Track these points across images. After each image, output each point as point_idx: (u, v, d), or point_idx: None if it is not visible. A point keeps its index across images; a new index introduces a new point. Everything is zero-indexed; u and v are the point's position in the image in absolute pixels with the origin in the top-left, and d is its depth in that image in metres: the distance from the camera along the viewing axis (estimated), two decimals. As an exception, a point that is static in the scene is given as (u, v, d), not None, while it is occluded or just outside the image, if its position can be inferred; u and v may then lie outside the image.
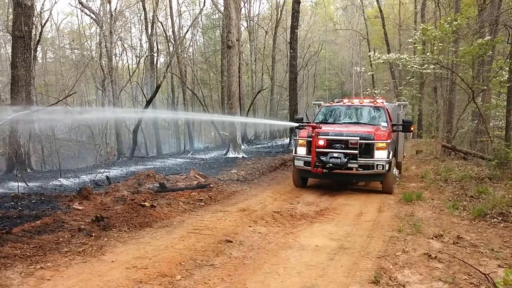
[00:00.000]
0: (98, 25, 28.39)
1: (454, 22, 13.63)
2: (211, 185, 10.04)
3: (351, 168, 9.22)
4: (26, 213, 7.25)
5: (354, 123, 10.72)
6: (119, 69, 38.33)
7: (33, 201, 8.41)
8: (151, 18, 29.45)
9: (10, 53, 13.37)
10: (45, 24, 27.25)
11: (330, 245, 5.74)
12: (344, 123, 10.76)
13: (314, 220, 7.24)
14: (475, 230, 6.45)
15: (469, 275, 4.57)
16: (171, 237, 6.06)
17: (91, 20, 31.76)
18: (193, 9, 39.06)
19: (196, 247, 5.58)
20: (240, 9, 27.89)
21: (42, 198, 8.67)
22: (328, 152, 9.31)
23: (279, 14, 34.38)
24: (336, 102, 12.37)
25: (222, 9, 25.67)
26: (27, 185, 10.42)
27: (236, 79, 17.24)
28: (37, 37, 23.07)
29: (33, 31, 16.82)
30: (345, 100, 12.32)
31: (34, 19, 15.98)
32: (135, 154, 22.98)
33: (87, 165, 20.14)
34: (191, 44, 40.49)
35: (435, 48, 15.59)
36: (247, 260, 5.10)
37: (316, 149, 9.40)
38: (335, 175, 9.56)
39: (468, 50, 13.41)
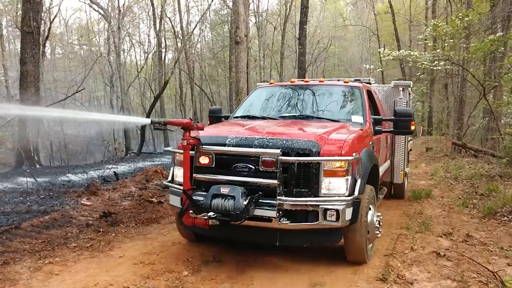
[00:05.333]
0: (106, 20, 28.52)
1: (466, 18, 13.45)
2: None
3: (267, 219, 4.28)
4: (35, 208, 7.33)
5: (303, 117, 5.84)
6: (127, 65, 38.51)
7: (42, 196, 8.49)
8: (159, 13, 29.49)
9: (19, 49, 13.44)
10: (53, 19, 27.42)
11: (337, 242, 5.71)
12: (284, 117, 5.90)
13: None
14: (484, 228, 6.40)
15: (478, 273, 4.55)
16: (178, 233, 6.07)
17: (100, 15, 31.91)
18: (201, 5, 39.06)
19: (203, 243, 5.58)
20: (249, 5, 27.82)
21: (51, 193, 8.75)
22: (218, 182, 4.52)
23: (288, 9, 34.23)
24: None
25: (230, 4, 25.62)
26: (36, 181, 10.50)
27: (244, 75, 17.17)
28: (46, 33, 23.18)
29: (41, 26, 16.92)
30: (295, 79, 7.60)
31: (42, 14, 16.05)
32: (143, 150, 23.08)
33: (95, 161, 20.28)
34: (199, 40, 40.51)
35: (446, 44, 15.41)
36: (255, 256, 5.09)
37: (196, 175, 4.69)
38: (239, 231, 4.55)
39: (480, 46, 13.24)
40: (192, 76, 32.01)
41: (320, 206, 4.23)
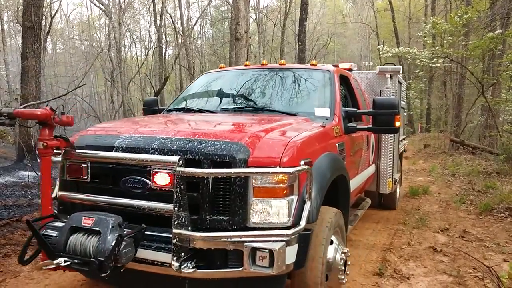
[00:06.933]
0: (107, 16, 28.47)
1: (465, 15, 13.49)
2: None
3: (162, 264, 2.73)
4: (36, 202, 7.38)
5: (251, 110, 4.44)
6: (128, 61, 38.50)
7: (43, 190, 8.55)
8: (159, 9, 29.45)
9: (20, 44, 13.47)
10: (54, 15, 27.41)
11: (335, 237, 5.77)
12: (227, 110, 4.53)
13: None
14: (481, 225, 6.46)
15: (474, 268, 4.60)
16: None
17: (100, 11, 31.88)
18: (201, 1, 39.00)
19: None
20: (249, 1, 27.81)
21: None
22: (96, 207, 3.09)
23: (288, 6, 34.18)
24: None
25: (230, 0, 25.62)
26: (37, 174, 10.54)
27: (244, 72, 17.17)
28: (47, 28, 23.19)
29: (43, 22, 16.92)
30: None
31: (44, 9, 16.06)
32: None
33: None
34: (199, 36, 40.49)
35: (445, 41, 15.45)
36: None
37: (62, 194, 3.33)
38: (134, 277, 3.05)
39: (479, 43, 13.28)
40: (193, 72, 31.97)
41: (245, 244, 2.67)
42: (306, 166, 2.87)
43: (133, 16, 38.11)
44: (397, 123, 4.37)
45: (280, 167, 2.80)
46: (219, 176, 2.76)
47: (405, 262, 4.86)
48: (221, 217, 2.78)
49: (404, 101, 8.12)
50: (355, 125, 4.52)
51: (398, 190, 7.78)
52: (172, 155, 2.85)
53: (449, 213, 7.21)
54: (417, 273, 4.54)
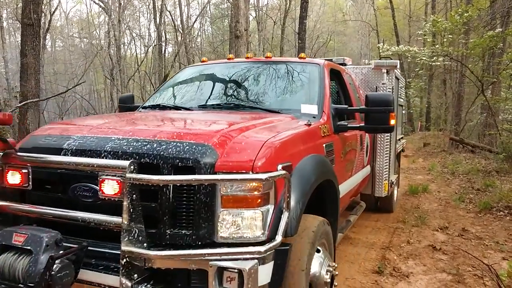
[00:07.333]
0: (106, 14, 28.47)
1: (465, 14, 13.49)
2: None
3: (110, 287, 2.34)
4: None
5: (231, 107, 4.11)
6: (127, 58, 38.47)
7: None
8: (159, 7, 29.42)
9: (20, 41, 13.46)
10: (54, 12, 27.38)
11: (335, 236, 5.77)
12: (205, 107, 4.19)
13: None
14: (480, 223, 6.48)
15: (473, 267, 4.62)
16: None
17: (100, 8, 31.85)
18: (201, -2, 39.01)
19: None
20: (249, -1, 27.78)
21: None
22: (40, 220, 2.68)
23: (288, 4, 34.18)
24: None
25: (230, -2, 25.59)
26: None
27: (244, 69, 17.10)
28: (46, 25, 23.16)
29: (42, 19, 16.90)
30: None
31: (43, 7, 16.05)
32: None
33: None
34: (199, 33, 40.48)
35: (445, 40, 15.45)
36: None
37: (1, 205, 2.80)
38: None
39: (479, 42, 13.28)
40: (192, 70, 31.96)
41: (210, 263, 2.26)
42: (283, 172, 2.46)
43: (132, 13, 38.08)
44: (392, 121, 3.93)
45: (252, 172, 2.40)
46: (178, 184, 2.36)
47: (405, 260, 4.87)
48: (184, 231, 2.40)
49: (402, 98, 7.77)
50: (346, 123, 4.12)
51: (395, 192, 7.40)
52: (127, 158, 2.45)
53: (448, 212, 7.23)
54: (416, 271, 4.56)
